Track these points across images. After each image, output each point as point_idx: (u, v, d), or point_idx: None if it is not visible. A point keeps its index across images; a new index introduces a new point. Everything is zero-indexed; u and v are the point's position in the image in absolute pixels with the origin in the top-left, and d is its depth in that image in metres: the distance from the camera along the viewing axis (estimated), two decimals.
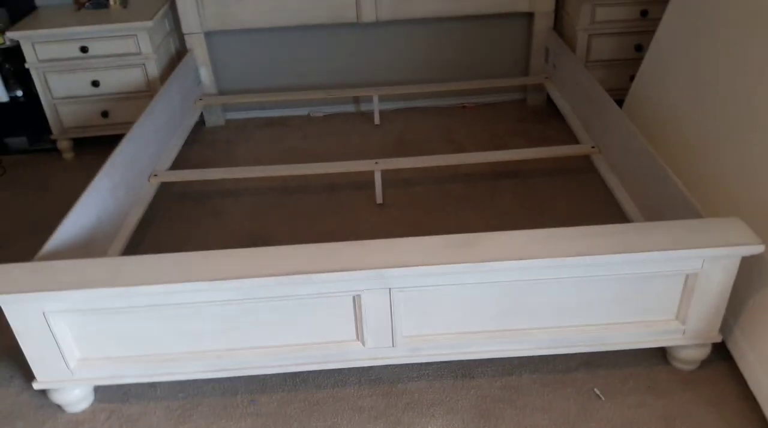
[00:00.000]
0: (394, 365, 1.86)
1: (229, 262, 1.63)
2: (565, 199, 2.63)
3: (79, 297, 1.59)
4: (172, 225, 2.60)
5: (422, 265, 1.58)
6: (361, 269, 1.58)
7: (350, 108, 3.53)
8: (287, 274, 1.58)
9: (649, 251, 1.61)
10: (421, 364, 1.88)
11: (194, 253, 1.68)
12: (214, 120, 3.44)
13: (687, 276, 1.69)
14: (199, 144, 3.26)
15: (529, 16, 3.30)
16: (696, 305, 1.72)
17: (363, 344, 1.73)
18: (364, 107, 3.52)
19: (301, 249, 1.66)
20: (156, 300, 1.63)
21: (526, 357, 1.87)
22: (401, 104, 3.52)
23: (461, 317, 1.72)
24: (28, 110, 3.21)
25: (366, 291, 1.64)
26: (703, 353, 1.82)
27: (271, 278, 1.58)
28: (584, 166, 2.76)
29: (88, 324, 1.68)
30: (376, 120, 3.36)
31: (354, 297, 1.66)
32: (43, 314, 1.62)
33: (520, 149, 2.80)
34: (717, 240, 1.62)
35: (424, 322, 1.72)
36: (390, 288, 1.64)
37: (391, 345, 1.74)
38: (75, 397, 1.79)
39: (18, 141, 3.28)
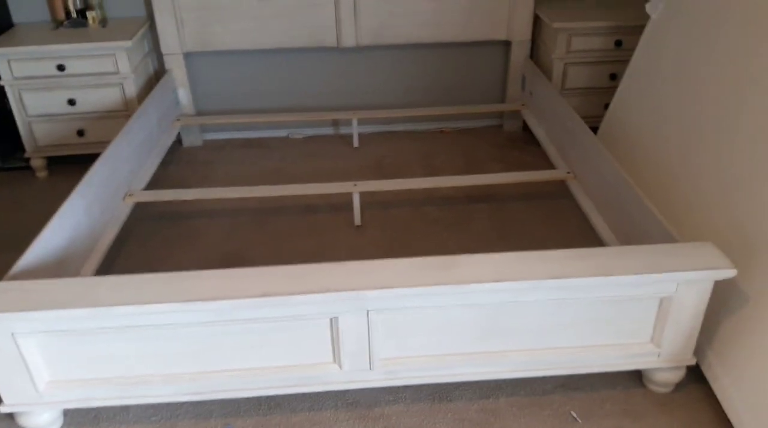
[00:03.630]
0: (371, 388, 1.84)
1: (204, 283, 1.61)
2: (541, 224, 2.66)
3: (49, 317, 1.56)
4: (146, 246, 2.57)
5: (400, 287, 1.58)
6: (338, 291, 1.57)
7: (329, 130, 3.54)
8: (263, 296, 1.56)
9: (623, 275, 1.63)
10: (398, 387, 1.86)
11: (167, 274, 1.65)
12: (191, 140, 3.43)
13: (661, 300, 1.71)
14: (176, 164, 3.24)
15: (507, 44, 3.36)
16: (670, 328, 1.74)
17: (340, 367, 1.72)
18: (343, 130, 3.53)
19: (277, 271, 1.65)
20: (128, 322, 1.60)
21: (503, 379, 1.87)
22: (380, 128, 3.54)
23: (438, 339, 1.72)
24: (1, 128, 3.17)
25: (343, 314, 1.63)
26: (677, 376, 1.83)
27: (246, 300, 1.56)
28: (560, 192, 2.79)
29: (58, 346, 1.64)
30: (355, 143, 3.37)
31: (331, 320, 1.65)
32: (12, 335, 1.58)
33: (497, 173, 2.82)
34: (690, 265, 1.65)
35: (401, 345, 1.71)
36: (368, 310, 1.63)
37: (368, 368, 1.72)
38: (43, 421, 1.74)
39: None
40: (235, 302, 1.56)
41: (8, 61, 2.92)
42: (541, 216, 2.70)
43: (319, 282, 1.60)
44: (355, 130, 3.38)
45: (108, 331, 1.62)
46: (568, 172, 2.70)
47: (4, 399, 1.68)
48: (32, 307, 1.55)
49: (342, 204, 2.77)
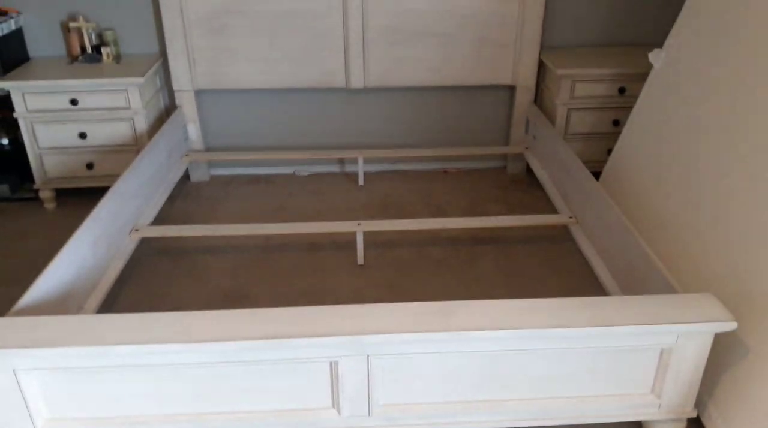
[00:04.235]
0: None
1: (205, 324, 1.62)
2: (544, 267, 2.66)
3: (51, 355, 1.57)
4: (150, 282, 2.58)
5: (401, 333, 1.59)
6: (339, 335, 1.58)
7: (335, 168, 3.58)
8: (263, 338, 1.57)
9: (623, 325, 1.63)
10: None
11: (169, 314, 1.66)
12: (199, 175, 3.47)
13: (662, 351, 1.71)
14: (183, 199, 3.27)
15: (511, 88, 3.41)
16: (671, 379, 1.74)
17: (338, 412, 1.71)
18: (348, 168, 3.57)
19: (278, 313, 1.66)
20: (128, 361, 1.61)
21: None
22: (385, 167, 3.58)
23: (438, 386, 1.72)
24: (13, 158, 3.22)
25: (344, 358, 1.63)
26: None
27: (247, 342, 1.57)
28: (562, 236, 2.81)
29: (58, 383, 1.64)
30: (360, 181, 3.41)
31: (331, 363, 1.65)
32: (13, 371, 1.59)
33: (501, 216, 2.84)
34: (691, 316, 1.66)
35: (401, 391, 1.71)
36: (368, 355, 1.63)
37: (366, 414, 1.72)
38: None
39: (0, 188, 3.27)
40: (235, 344, 1.57)
41: (23, 94, 2.98)
42: (544, 260, 2.71)
43: (319, 325, 1.61)
44: (361, 168, 3.42)
45: (108, 370, 1.63)
46: (571, 217, 2.72)
47: None
48: (34, 344, 1.56)
49: (346, 242, 2.79)
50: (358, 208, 3.18)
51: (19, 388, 1.61)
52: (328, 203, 3.23)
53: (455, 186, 3.41)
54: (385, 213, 3.12)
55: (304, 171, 3.56)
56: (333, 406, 1.71)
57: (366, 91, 3.38)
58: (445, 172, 3.57)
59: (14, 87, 2.95)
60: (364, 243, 2.71)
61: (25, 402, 1.63)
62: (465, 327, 1.60)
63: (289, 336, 1.57)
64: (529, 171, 3.46)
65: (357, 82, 3.28)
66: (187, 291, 2.52)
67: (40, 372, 1.62)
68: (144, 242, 2.70)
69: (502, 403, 1.74)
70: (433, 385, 1.71)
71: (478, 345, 1.65)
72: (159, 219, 2.83)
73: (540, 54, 3.29)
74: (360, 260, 2.68)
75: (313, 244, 2.83)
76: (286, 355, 1.62)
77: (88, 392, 1.66)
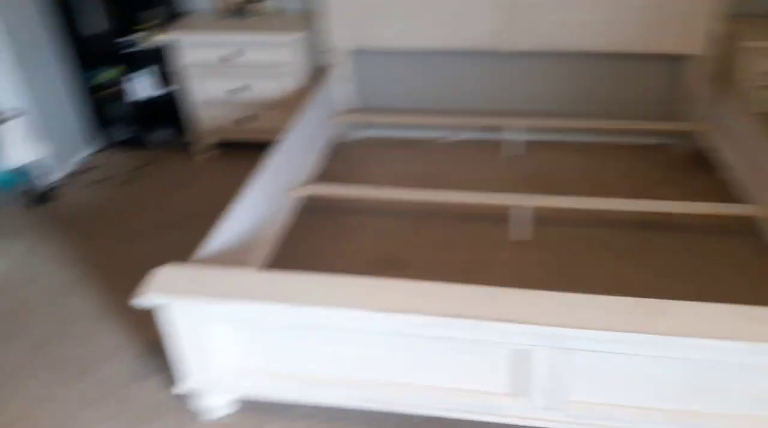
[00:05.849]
0: None
1: (395, 294, 1.57)
2: (733, 266, 2.37)
3: (239, 308, 1.59)
4: (303, 241, 2.55)
5: (605, 330, 1.45)
6: (538, 324, 1.47)
7: (484, 135, 3.42)
8: (458, 317, 1.49)
9: None
10: None
11: (361, 279, 1.63)
12: (348, 136, 3.41)
13: None
14: (332, 159, 3.22)
15: (684, 58, 3.07)
16: None
17: (525, 401, 1.62)
18: (498, 136, 3.39)
19: (468, 290, 1.57)
20: (315, 322, 1.60)
21: None
22: (536, 136, 3.36)
23: (633, 389, 1.57)
24: (171, 109, 3.30)
25: (538, 347, 1.52)
26: None
27: (441, 318, 1.50)
28: (751, 230, 2.50)
29: (241, 336, 1.66)
30: (510, 150, 3.24)
31: (521, 350, 1.55)
32: (200, 320, 1.62)
33: (681, 202, 2.53)
34: None
35: (592, 388, 1.58)
36: (564, 348, 1.51)
37: (554, 407, 1.61)
38: (215, 405, 1.79)
39: (160, 137, 3.36)
40: (429, 319, 1.50)
41: (181, 48, 3.02)
42: (733, 257, 2.42)
43: (514, 309, 1.50)
44: (511, 137, 3.24)
45: (293, 328, 1.63)
46: None
47: (181, 379, 1.74)
48: (223, 296, 1.58)
49: (495, 215, 2.63)
50: (508, 178, 3.01)
51: (203, 337, 1.65)
52: (475, 171, 3.09)
53: (617, 162, 3.14)
54: (536, 185, 2.91)
55: (453, 136, 3.43)
56: (519, 394, 1.62)
57: (519, 55, 3.15)
58: (604, 145, 3.31)
59: (176, 39, 2.99)
60: (517, 218, 2.55)
61: (207, 351, 1.67)
62: (678, 332, 1.44)
63: (484, 318, 1.48)
64: (703, 151, 3.11)
65: (516, 44, 3.05)
66: (341, 253, 2.49)
67: (224, 324, 1.64)
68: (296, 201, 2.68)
69: (707, 416, 1.56)
70: (627, 387, 1.57)
71: (690, 353, 1.48)
72: (311, 180, 2.80)
73: (722, 22, 2.93)
74: (517, 236, 2.54)
75: (462, 214, 2.70)
76: (473, 335, 1.54)
77: (270, 347, 1.68)
